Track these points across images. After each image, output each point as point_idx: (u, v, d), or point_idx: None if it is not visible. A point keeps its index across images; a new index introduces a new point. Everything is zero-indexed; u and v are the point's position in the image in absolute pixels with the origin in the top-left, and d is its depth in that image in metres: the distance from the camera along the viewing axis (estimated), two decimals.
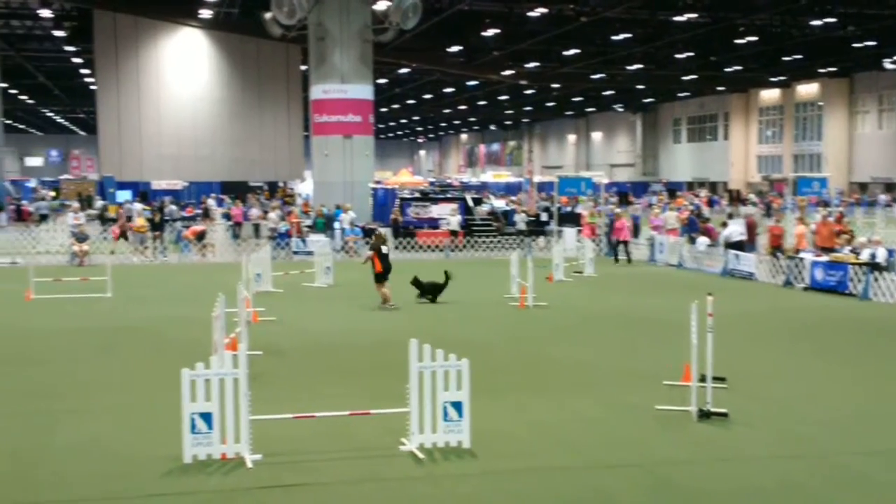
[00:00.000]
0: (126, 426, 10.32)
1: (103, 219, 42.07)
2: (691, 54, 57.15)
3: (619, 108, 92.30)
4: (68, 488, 8.27)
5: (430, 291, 20.61)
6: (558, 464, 9.12)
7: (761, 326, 17.54)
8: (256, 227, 36.71)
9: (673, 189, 74.53)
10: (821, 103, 70.48)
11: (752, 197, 60.71)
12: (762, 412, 11.08)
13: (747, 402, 11.45)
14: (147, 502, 7.98)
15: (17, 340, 15.71)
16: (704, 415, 10.62)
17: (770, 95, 75.65)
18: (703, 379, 10.76)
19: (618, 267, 28.88)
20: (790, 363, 14.23)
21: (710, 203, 54.64)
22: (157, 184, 52.93)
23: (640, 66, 60.22)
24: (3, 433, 9.96)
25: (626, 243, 30.10)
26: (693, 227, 31.10)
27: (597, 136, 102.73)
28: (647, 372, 13.15)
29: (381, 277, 19.34)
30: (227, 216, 40.57)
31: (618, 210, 37.62)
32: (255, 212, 37.80)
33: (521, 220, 36.78)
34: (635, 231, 33.74)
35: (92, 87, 59.76)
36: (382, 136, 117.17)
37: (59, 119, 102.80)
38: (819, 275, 22.84)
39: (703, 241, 28.56)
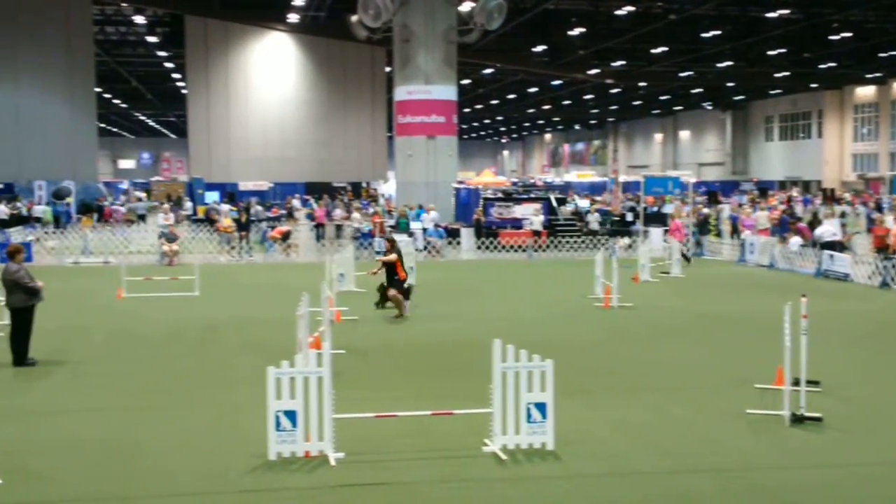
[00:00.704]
0: (214, 423, 10.47)
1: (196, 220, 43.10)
2: (783, 51, 55.61)
3: (707, 106, 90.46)
4: (161, 483, 8.41)
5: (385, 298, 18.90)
6: (645, 467, 8.90)
7: (856, 329, 16.91)
8: (339, 228, 37.06)
9: (764, 188, 72.73)
10: None
11: (847, 196, 58.77)
12: (857, 417, 10.66)
13: (842, 406, 11.03)
14: (235, 499, 8.05)
15: (110, 338, 16.12)
16: (797, 419, 10.25)
17: (865, 92, 73.17)
18: (796, 382, 10.41)
19: (706, 267, 28.23)
20: (887, 367, 13.66)
21: (791, 202, 52.88)
22: (244, 185, 53.98)
23: (730, 63, 58.88)
24: (101, 429, 10.20)
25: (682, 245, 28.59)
26: (785, 226, 30.22)
27: (684, 134, 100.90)
28: (737, 374, 12.77)
29: (402, 284, 18.47)
30: (310, 216, 41.09)
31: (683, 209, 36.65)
32: (338, 212, 38.20)
33: (594, 220, 36.25)
34: (733, 231, 32.61)
35: (183, 91, 61.34)
36: (466, 137, 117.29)
37: (150, 122, 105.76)
38: None
39: (795, 241, 27.74)
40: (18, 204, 43.05)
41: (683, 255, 28.23)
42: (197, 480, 8.47)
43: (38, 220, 39.65)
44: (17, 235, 33.24)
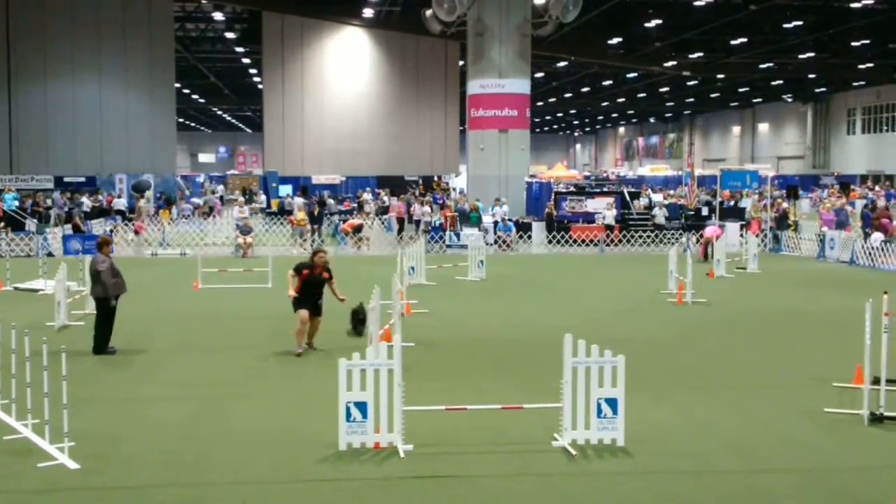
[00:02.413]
0: (287, 412, 10.61)
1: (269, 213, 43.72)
2: (867, 41, 53.94)
3: (787, 98, 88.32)
4: (237, 471, 8.57)
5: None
6: (720, 466, 8.73)
7: None
8: (410, 220, 37.14)
9: (845, 182, 70.76)
10: None
11: None
12: None
13: None
14: (307, 487, 8.15)
15: (187, 328, 16.46)
16: (877, 419, 9.96)
17: None
18: (876, 381, 10.11)
19: (784, 263, 27.59)
20: None
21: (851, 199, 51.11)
22: (317, 178, 54.56)
23: (812, 54, 57.37)
24: (178, 416, 10.44)
25: (710, 244, 26.79)
26: (867, 221, 29.34)
27: (763, 127, 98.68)
28: (815, 373, 12.47)
29: (320, 307, 14.16)
30: (383, 210, 41.31)
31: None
32: (418, 208, 38.27)
33: (660, 215, 35.67)
34: (839, 226, 31.20)
35: (259, 87, 62.25)
36: (538, 130, 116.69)
37: (227, 117, 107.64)
38: None
39: (877, 236, 26.92)
40: (100, 197, 44.26)
41: (708, 255, 27.10)
42: (271, 469, 8.61)
43: (120, 212, 40.71)
44: (98, 227, 34.21)
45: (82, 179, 48.86)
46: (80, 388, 11.02)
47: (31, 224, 33.81)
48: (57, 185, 47.24)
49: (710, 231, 28.09)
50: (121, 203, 42.58)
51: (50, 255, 27.68)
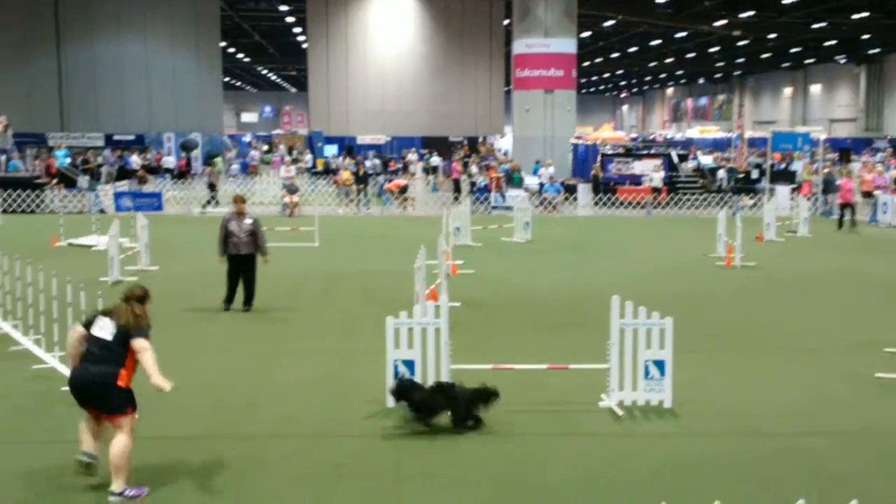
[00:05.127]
0: (335, 369, 10.75)
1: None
2: None
3: (841, 59, 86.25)
4: (285, 425, 8.73)
5: (429, 409, 8.64)
6: (766, 428, 8.69)
7: None
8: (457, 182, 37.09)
9: None
10: None
11: None
12: None
13: None
14: (355, 442, 8.27)
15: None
16: None
17: None
18: None
19: (834, 227, 27.13)
20: None
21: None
22: (362, 138, 54.62)
23: (867, 14, 55.85)
24: (232, 373, 10.62)
25: (851, 206, 26.94)
26: None
27: (815, 88, 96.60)
28: (866, 338, 12.30)
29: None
30: (426, 170, 41.25)
31: (846, 168, 34.95)
32: (475, 168, 38.06)
33: (723, 177, 35.13)
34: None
35: (303, 46, 62.21)
36: (584, 91, 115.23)
37: (272, 76, 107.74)
38: None
39: None
40: (149, 155, 44.78)
41: (852, 220, 26.74)
42: (319, 423, 8.75)
43: (169, 170, 41.15)
44: (148, 185, 34.65)
45: (131, 137, 49.41)
46: None
47: (82, 181, 34.33)
48: (107, 143, 47.87)
49: (846, 186, 27.24)
50: (170, 161, 43.04)
51: (102, 211, 28.14)
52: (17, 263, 11.97)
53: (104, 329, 7.04)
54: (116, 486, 6.79)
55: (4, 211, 27.72)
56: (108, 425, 7.04)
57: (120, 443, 6.87)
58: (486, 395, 8.55)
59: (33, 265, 11.57)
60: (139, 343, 7.13)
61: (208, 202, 31.50)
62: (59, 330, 10.99)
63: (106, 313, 7.20)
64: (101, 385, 6.88)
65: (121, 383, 6.97)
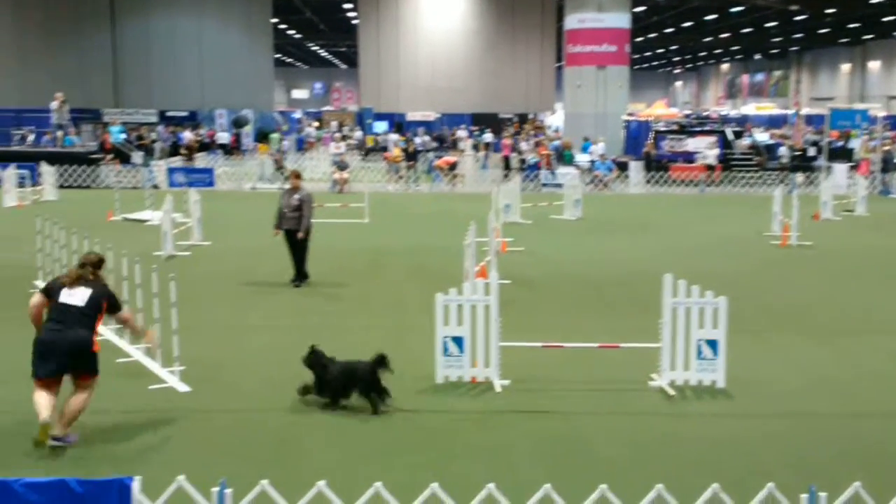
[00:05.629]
0: (385, 344, 10.72)
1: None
2: None
3: None
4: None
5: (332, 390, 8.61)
6: (824, 409, 8.54)
7: None
8: (506, 159, 36.91)
9: None
10: None
11: None
12: None
13: None
14: (403, 417, 8.28)
15: (287, 261, 16.77)
16: None
17: None
18: None
19: (893, 206, 26.50)
20: None
21: None
22: (412, 115, 54.54)
23: None
24: (280, 345, 10.70)
25: None
26: None
27: (874, 65, 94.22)
28: None
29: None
30: (475, 147, 41.05)
31: None
32: (524, 145, 37.77)
33: (786, 155, 34.43)
34: None
35: (354, 22, 62.21)
36: (637, 67, 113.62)
37: (322, 53, 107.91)
38: None
39: None
40: (202, 131, 45.22)
41: None
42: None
43: (222, 146, 41.50)
44: (201, 161, 35.02)
45: (185, 114, 49.94)
46: (186, 315, 11.38)
47: (136, 157, 34.80)
48: (160, 119, 48.43)
49: None
50: (224, 137, 43.40)
51: (155, 186, 28.51)
52: (74, 237, 12.18)
53: (74, 296, 7.44)
54: (60, 431, 7.25)
55: (61, 186, 28.21)
56: (57, 393, 7.39)
57: (81, 398, 7.42)
58: (380, 360, 8.43)
59: (90, 239, 11.75)
60: (126, 313, 8.23)
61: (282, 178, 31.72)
62: None
63: (66, 281, 7.56)
64: (80, 349, 7.38)
65: (95, 348, 7.51)
